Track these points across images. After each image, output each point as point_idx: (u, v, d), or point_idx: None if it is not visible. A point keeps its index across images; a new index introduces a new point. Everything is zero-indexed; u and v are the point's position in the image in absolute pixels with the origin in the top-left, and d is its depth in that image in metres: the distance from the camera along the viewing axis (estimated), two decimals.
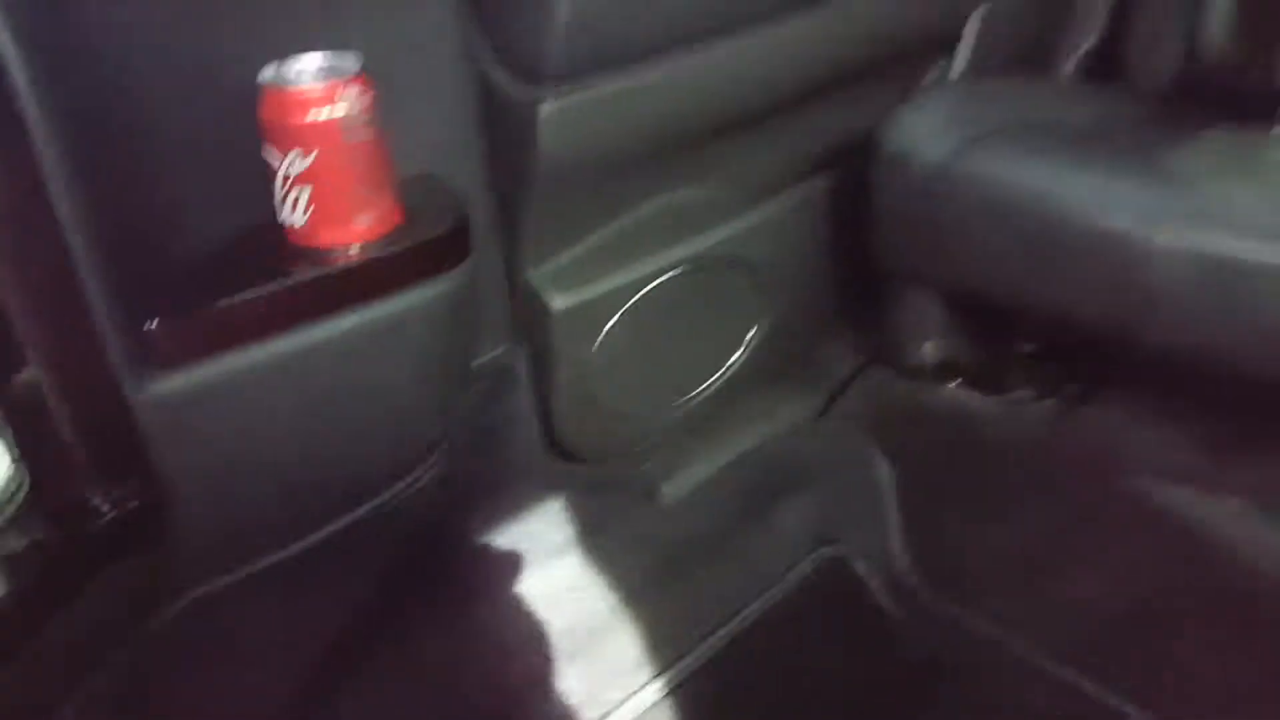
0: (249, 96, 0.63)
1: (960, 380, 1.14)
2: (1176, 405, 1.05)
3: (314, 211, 0.65)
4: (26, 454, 0.59)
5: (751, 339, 1.12)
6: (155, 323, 0.59)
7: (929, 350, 1.13)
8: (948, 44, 1.20)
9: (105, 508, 0.60)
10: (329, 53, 0.65)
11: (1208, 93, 1.19)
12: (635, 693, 0.92)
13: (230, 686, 0.70)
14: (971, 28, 1.19)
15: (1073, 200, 0.88)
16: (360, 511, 0.74)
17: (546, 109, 0.78)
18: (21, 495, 0.59)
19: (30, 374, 0.58)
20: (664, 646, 0.96)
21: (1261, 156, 0.96)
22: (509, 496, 0.95)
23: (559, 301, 0.91)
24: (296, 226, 0.66)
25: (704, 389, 1.11)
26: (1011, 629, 1.00)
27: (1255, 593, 0.93)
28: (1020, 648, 0.98)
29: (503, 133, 0.82)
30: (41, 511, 0.59)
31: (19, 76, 0.51)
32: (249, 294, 0.62)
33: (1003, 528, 1.07)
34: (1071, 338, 1.10)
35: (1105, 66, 1.35)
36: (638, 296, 0.97)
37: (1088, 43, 1.33)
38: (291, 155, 0.63)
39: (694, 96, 0.88)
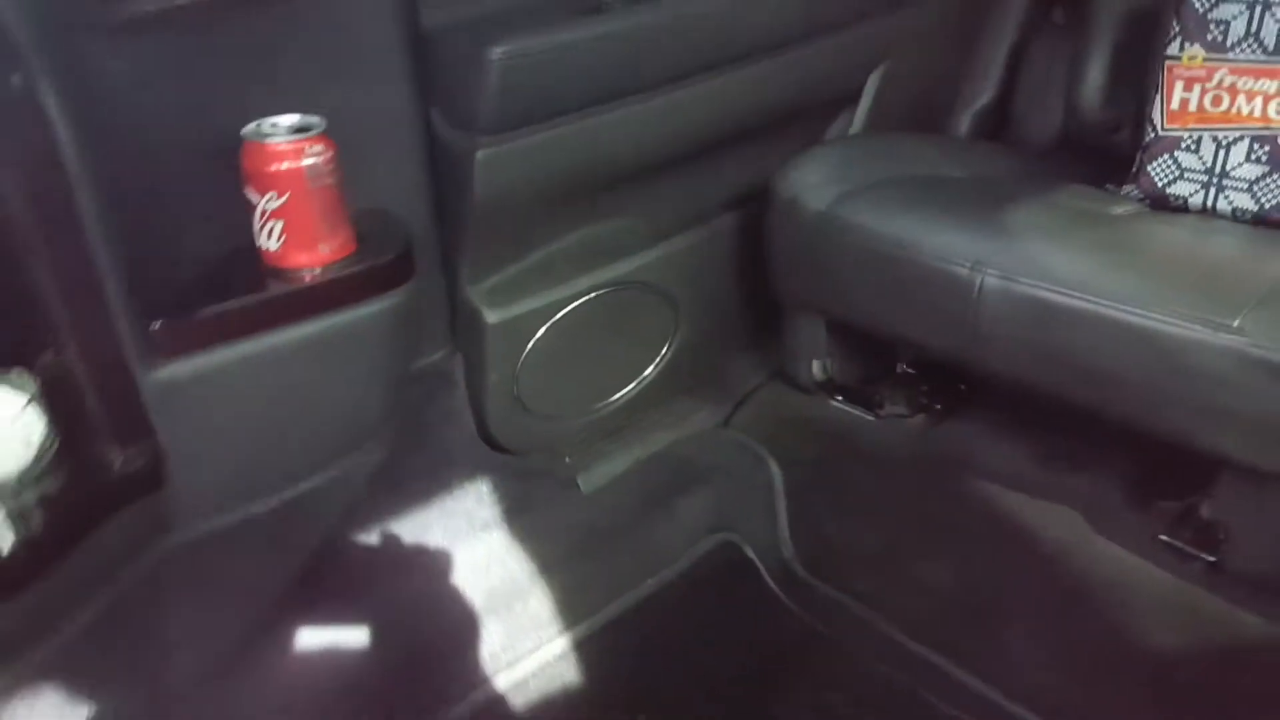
0: (235, 147, 0.82)
1: (843, 397, 1.35)
2: (1021, 423, 1.25)
3: (285, 240, 0.84)
4: (57, 420, 0.78)
5: (664, 354, 1.32)
6: (159, 323, 0.79)
7: (816, 370, 1.33)
8: (849, 100, 1.41)
9: (117, 464, 0.79)
10: (299, 115, 0.84)
11: (1084, 148, 1.40)
12: (545, 644, 1.11)
13: (201, 611, 0.89)
14: (870, 86, 1.40)
15: (925, 248, 1.08)
16: (316, 480, 0.94)
17: (481, 155, 0.97)
18: (52, 451, 0.78)
19: (61, 357, 0.77)
20: (574, 608, 1.15)
21: (1095, 215, 1.16)
22: (444, 479, 1.14)
23: (492, 316, 1.11)
24: (271, 251, 0.85)
25: (620, 396, 1.31)
26: (876, 609, 1.18)
27: (1076, 586, 1.12)
28: (883, 625, 1.16)
29: (446, 175, 1.02)
30: (68, 465, 0.78)
31: (66, 140, 0.70)
32: (232, 304, 0.82)
33: (872, 524, 1.26)
34: (939, 362, 1.30)
35: (998, 122, 1.56)
36: (562, 314, 1.17)
37: (982, 100, 1.54)
38: (268, 196, 0.82)
39: (608, 147, 1.08)
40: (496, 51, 0.91)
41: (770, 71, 1.18)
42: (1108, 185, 1.26)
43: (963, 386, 1.33)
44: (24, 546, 0.75)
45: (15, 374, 0.77)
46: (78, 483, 0.78)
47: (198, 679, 0.90)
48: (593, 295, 1.19)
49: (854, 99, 1.40)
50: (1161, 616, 1.07)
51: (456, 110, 0.97)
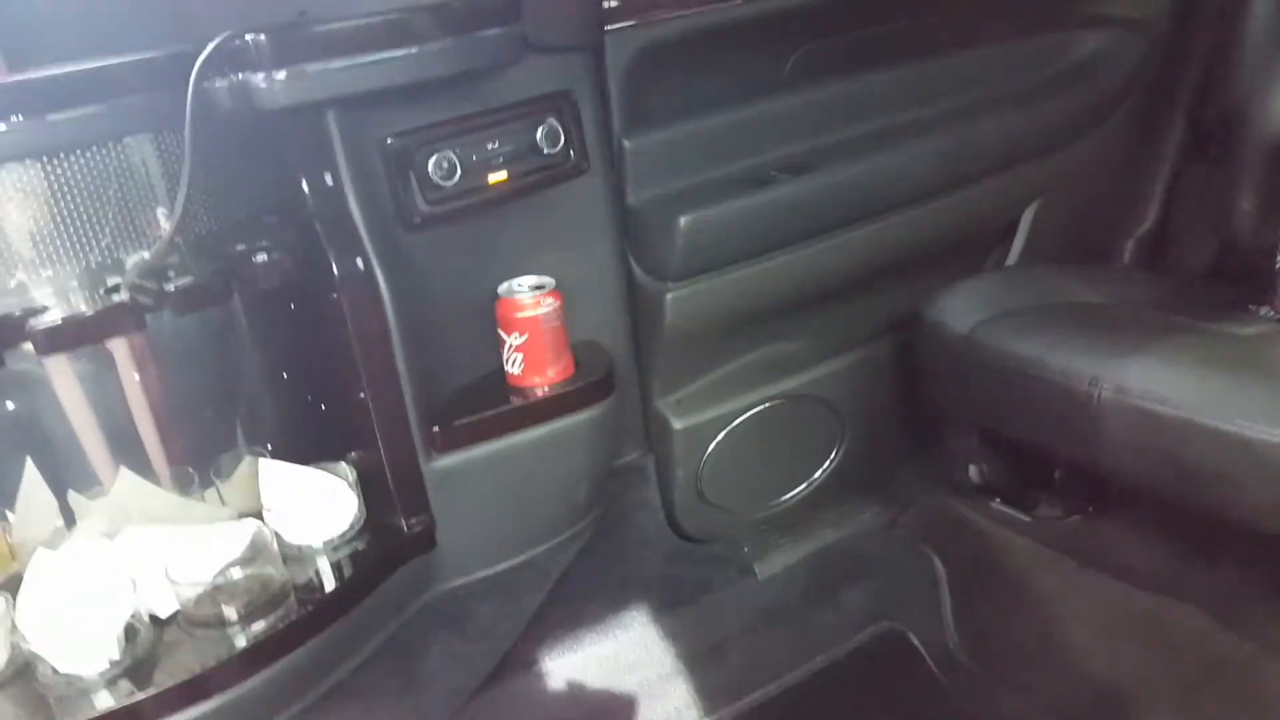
0: (491, 300, 1.19)
1: (1000, 499, 1.56)
2: (1163, 525, 1.41)
3: (524, 366, 1.20)
4: (366, 497, 1.16)
5: (832, 460, 1.59)
6: (437, 428, 1.15)
7: (973, 474, 1.55)
8: (1005, 234, 1.65)
9: (405, 528, 1.16)
10: (536, 276, 1.21)
11: (1238, 272, 1.57)
12: (720, 709, 1.38)
13: (455, 647, 1.23)
14: (1025, 220, 1.64)
15: (1049, 365, 1.28)
16: (540, 549, 1.29)
17: (671, 296, 1.30)
18: (362, 520, 1.16)
19: (368, 453, 1.15)
20: (747, 680, 1.41)
21: (1221, 334, 1.32)
22: (638, 559, 1.44)
23: (678, 423, 1.42)
24: (514, 374, 1.21)
25: (793, 496, 1.58)
26: (1032, 694, 1.38)
27: (1211, 677, 1.27)
28: (1038, 710, 1.36)
29: (643, 312, 1.35)
30: (371, 529, 1.16)
31: (387, 300, 1.08)
32: (487, 413, 1.19)
33: (1028, 616, 1.44)
34: (1090, 468, 1.48)
35: (1158, 249, 1.74)
36: (738, 422, 1.47)
37: (1141, 229, 1.74)
38: (514, 335, 1.19)
39: (777, 285, 1.38)
40: (683, 219, 1.24)
41: (921, 217, 1.45)
42: (1251, 306, 1.43)
43: (1114, 491, 1.51)
44: (341, 587, 1.11)
45: (340, 466, 1.16)
46: (377, 542, 1.15)
47: (446, 705, 1.23)
48: (765, 406, 1.48)
49: (1010, 232, 1.64)
50: None
51: (652, 262, 1.31)
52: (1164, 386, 1.18)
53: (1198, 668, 1.29)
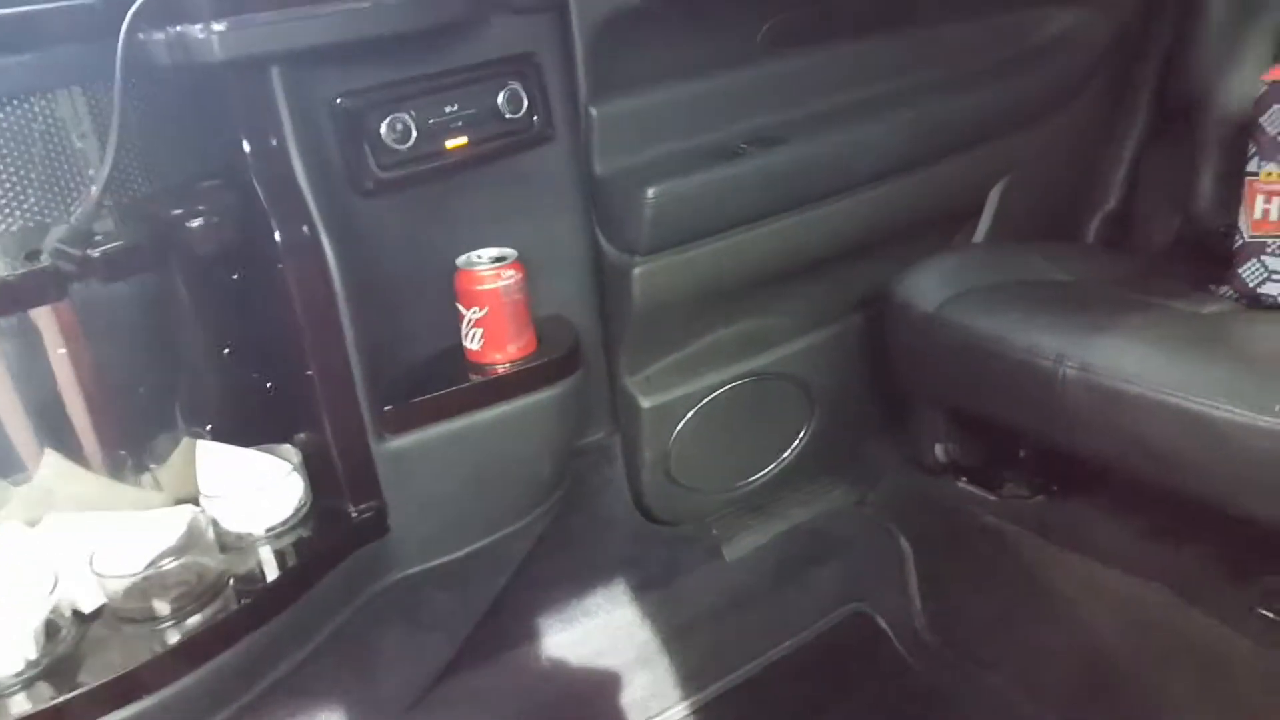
0: (450, 273, 1.09)
1: (966, 478, 1.48)
2: (1129, 503, 1.34)
3: (484, 342, 1.09)
4: (313, 481, 1.05)
5: (801, 439, 1.50)
6: (389, 407, 1.05)
7: (940, 453, 1.48)
8: (973, 211, 1.57)
9: (354, 514, 1.05)
10: (497, 247, 1.10)
11: (1200, 250, 1.50)
12: (689, 697, 1.30)
13: (407, 639, 1.13)
14: (993, 198, 1.56)
15: (1015, 343, 1.21)
16: (500, 534, 1.18)
17: (639, 270, 1.20)
18: (308, 506, 1.05)
19: (315, 435, 1.04)
20: (715, 666, 1.33)
21: (1184, 313, 1.26)
22: (604, 542, 1.35)
23: (646, 401, 1.32)
24: (473, 350, 1.10)
25: (761, 475, 1.49)
26: (998, 673, 1.32)
27: (1178, 655, 1.22)
28: (1006, 688, 1.31)
29: (611, 286, 1.25)
30: (317, 515, 1.05)
31: (334, 271, 0.97)
32: (443, 391, 1.08)
33: (994, 595, 1.38)
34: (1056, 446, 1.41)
35: (1123, 226, 1.68)
36: (707, 400, 1.38)
37: (1107, 206, 1.67)
38: (473, 309, 1.08)
39: (745, 261, 1.29)
40: (650, 191, 1.14)
41: (889, 193, 1.37)
42: (1211, 285, 1.36)
43: (1080, 470, 1.44)
44: (283, 577, 1.01)
45: (285, 448, 1.05)
46: (323, 530, 1.04)
47: (402, 698, 1.13)
48: (735, 384, 1.40)
49: (978, 210, 1.56)
50: (1257, 683, 1.15)
51: (620, 235, 1.21)
52: (1128, 364, 1.12)
53: (1164, 645, 1.23)
